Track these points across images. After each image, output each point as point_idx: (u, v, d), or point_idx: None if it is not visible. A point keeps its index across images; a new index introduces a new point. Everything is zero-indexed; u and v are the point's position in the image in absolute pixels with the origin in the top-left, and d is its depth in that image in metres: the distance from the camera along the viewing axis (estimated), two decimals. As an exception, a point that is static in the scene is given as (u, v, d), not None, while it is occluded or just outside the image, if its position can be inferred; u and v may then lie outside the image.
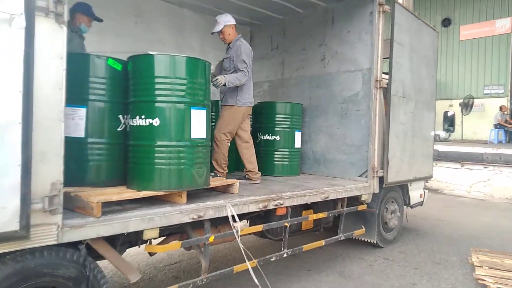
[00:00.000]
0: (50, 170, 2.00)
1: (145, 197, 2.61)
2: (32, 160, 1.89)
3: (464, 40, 14.15)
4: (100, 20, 3.82)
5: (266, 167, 4.85)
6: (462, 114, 13.19)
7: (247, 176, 4.07)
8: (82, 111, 2.74)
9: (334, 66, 4.96)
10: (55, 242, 2.02)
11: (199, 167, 2.81)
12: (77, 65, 2.73)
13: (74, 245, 2.20)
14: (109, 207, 2.45)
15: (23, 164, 1.85)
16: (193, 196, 2.91)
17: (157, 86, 2.65)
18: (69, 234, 2.08)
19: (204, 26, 5.23)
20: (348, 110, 4.77)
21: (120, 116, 2.89)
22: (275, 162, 4.82)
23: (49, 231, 1.99)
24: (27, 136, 1.86)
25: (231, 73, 3.83)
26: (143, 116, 2.65)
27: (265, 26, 5.92)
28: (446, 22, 14.38)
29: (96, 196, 2.29)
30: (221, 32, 3.87)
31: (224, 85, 3.68)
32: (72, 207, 2.40)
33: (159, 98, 2.65)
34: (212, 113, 4.04)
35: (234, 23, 3.94)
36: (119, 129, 2.89)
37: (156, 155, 2.65)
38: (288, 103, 4.97)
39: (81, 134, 2.74)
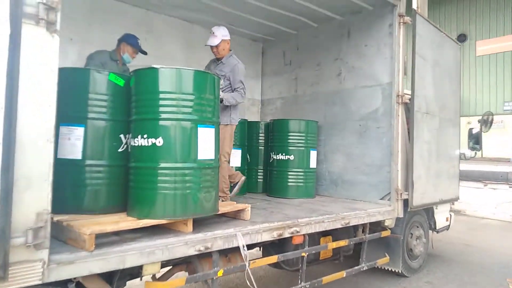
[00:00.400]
0: (36, 198, 1.74)
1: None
2: (14, 187, 1.64)
3: (481, 56, 13.76)
4: (144, 53, 3.89)
5: (279, 188, 4.57)
6: (481, 131, 12.67)
7: (232, 185, 3.78)
8: (79, 131, 2.50)
9: (351, 82, 4.69)
10: (39, 282, 1.75)
11: (206, 191, 2.53)
12: (76, 80, 2.54)
13: (64, 283, 1.92)
14: (106, 238, 2.17)
15: (3, 192, 1.60)
16: (200, 223, 2.62)
17: (161, 102, 2.41)
18: (57, 272, 1.80)
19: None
20: (368, 127, 4.47)
21: (122, 136, 2.65)
22: (289, 184, 4.52)
23: (33, 269, 1.72)
24: (9, 159, 1.62)
25: (224, 91, 3.58)
26: (145, 136, 2.40)
27: (277, 42, 5.72)
28: (462, 38, 14.05)
29: (90, 226, 2.02)
30: (216, 46, 3.65)
31: (221, 101, 3.46)
32: (65, 238, 2.14)
33: (163, 116, 2.41)
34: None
35: (229, 38, 3.73)
36: (120, 150, 2.64)
37: (159, 178, 2.39)
38: (303, 120, 4.70)
39: (78, 156, 2.49)
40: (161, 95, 2.42)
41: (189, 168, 2.44)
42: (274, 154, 4.65)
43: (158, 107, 2.41)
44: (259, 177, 4.98)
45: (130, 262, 2.04)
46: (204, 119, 2.53)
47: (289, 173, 4.53)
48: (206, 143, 2.50)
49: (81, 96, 2.53)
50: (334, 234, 3.77)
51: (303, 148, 4.58)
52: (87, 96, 2.54)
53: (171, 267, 2.75)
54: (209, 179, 2.58)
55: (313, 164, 4.65)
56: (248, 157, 4.92)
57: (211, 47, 3.68)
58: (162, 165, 2.39)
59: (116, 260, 1.99)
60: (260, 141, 5.04)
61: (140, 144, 2.42)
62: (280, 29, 5.27)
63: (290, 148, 4.55)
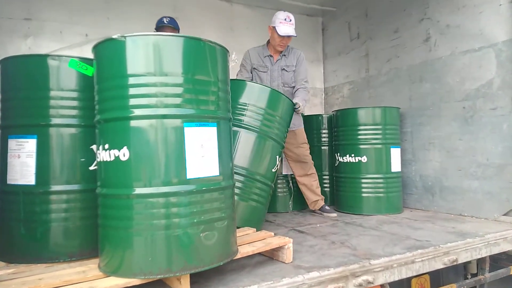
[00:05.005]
0: None
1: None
2: None
3: None
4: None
5: (349, 201, 3.44)
6: None
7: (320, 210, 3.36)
8: (30, 144, 1.77)
9: (446, 47, 3.33)
10: None
11: (208, 227, 1.58)
12: (24, 74, 1.82)
13: None
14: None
15: None
16: (207, 272, 1.69)
17: (131, 91, 1.54)
18: None
19: (258, 22, 4.17)
20: (476, 110, 3.07)
21: (95, 148, 1.86)
22: (363, 195, 3.35)
23: None
24: None
25: (289, 87, 3.21)
26: (106, 146, 1.56)
27: (340, 12, 4.57)
28: None
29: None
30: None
31: (296, 109, 2.96)
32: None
33: (136, 112, 1.53)
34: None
35: None
36: (92, 168, 1.86)
37: (134, 212, 1.51)
38: (377, 107, 3.48)
39: (31, 180, 1.76)
40: (131, 80, 1.54)
41: (175, 193, 1.52)
42: (340, 155, 3.52)
43: (125, 99, 1.54)
44: (324, 185, 3.88)
45: None
46: (198, 114, 1.59)
47: (362, 180, 3.36)
48: (199, 151, 1.56)
49: (32, 95, 1.80)
50: (434, 272, 2.52)
51: (380, 146, 3.37)
52: (40, 94, 1.80)
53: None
54: (215, 207, 1.63)
55: (396, 166, 3.41)
56: (307, 160, 3.86)
57: (282, 38, 3.04)
58: (137, 191, 1.51)
59: None
60: (323, 139, 3.95)
61: (102, 159, 1.58)
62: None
63: (362, 146, 3.38)
